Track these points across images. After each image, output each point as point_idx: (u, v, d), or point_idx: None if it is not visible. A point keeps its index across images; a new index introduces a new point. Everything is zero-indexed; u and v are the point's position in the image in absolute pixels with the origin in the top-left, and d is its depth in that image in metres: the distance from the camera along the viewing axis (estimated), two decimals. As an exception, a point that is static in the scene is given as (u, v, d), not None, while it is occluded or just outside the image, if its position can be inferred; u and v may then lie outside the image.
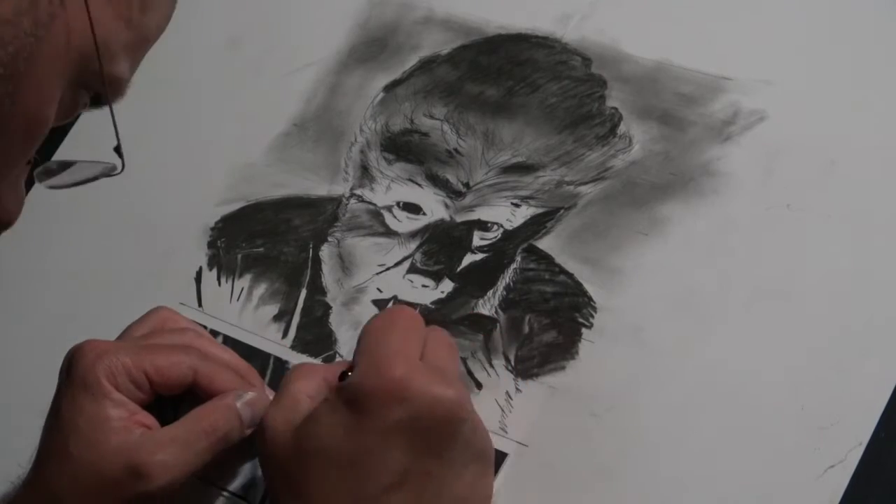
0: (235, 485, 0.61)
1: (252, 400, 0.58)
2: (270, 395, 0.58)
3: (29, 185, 0.76)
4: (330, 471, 0.52)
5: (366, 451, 0.51)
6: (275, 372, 0.64)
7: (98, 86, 0.50)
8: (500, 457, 0.57)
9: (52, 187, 0.56)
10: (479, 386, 0.60)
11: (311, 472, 0.52)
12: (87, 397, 0.56)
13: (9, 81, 0.44)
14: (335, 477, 0.52)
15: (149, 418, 0.56)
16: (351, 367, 0.54)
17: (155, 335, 0.60)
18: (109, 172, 0.56)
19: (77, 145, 0.77)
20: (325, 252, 0.67)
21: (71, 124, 0.77)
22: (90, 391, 0.56)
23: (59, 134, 0.77)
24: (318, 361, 0.64)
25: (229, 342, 0.66)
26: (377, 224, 0.66)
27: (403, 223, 0.66)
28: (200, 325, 0.67)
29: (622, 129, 0.64)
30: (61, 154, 0.76)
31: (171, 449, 0.55)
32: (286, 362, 0.64)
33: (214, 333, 0.66)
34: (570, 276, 0.61)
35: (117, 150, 0.55)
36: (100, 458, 0.55)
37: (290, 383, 0.55)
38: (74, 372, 0.57)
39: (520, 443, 0.58)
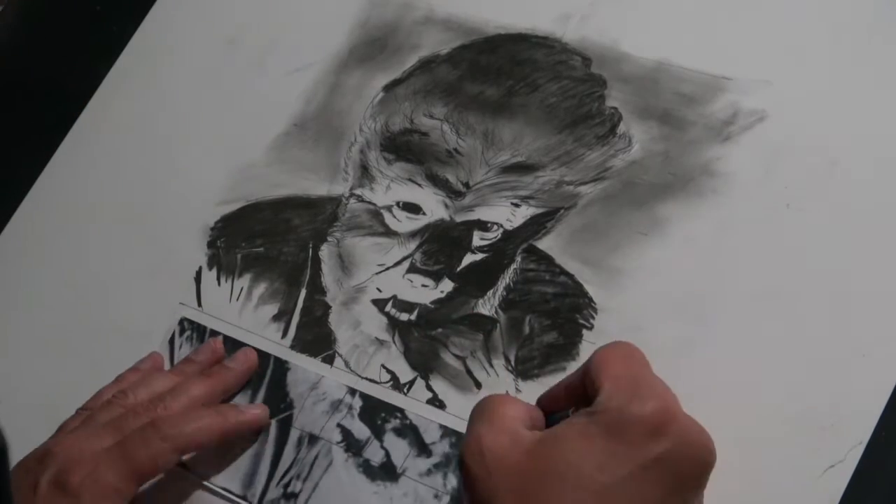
0: (234, 484, 0.61)
1: None
2: None
3: (29, 183, 0.76)
4: (581, 494, 0.48)
5: (622, 480, 0.48)
6: (274, 373, 0.64)
7: None
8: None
9: None
10: (478, 386, 0.60)
11: (558, 493, 0.48)
12: None
13: None
14: (588, 501, 0.48)
15: None
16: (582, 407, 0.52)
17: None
18: None
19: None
20: (325, 252, 0.67)
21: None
22: None
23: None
24: (317, 361, 0.64)
25: (228, 342, 0.66)
26: (377, 224, 0.66)
27: (403, 223, 0.66)
28: (200, 324, 0.67)
29: (622, 128, 0.64)
30: (72, 139, 0.77)
31: None
32: (286, 362, 0.64)
33: (214, 333, 0.66)
34: (571, 276, 0.61)
35: None
36: None
37: (498, 406, 0.53)
38: (61, 490, 0.57)
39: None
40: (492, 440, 0.51)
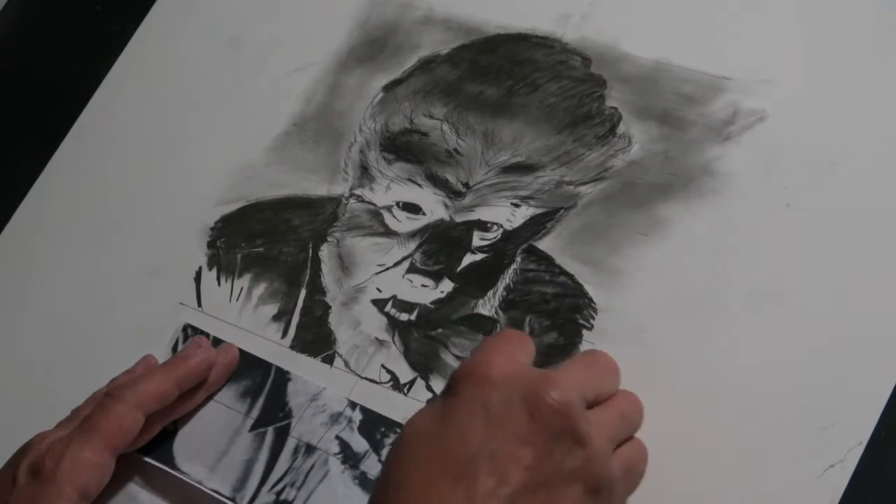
0: (225, 487, 0.61)
1: None
2: None
3: (29, 183, 0.76)
4: (413, 449, 0.50)
5: (452, 427, 0.50)
6: (274, 382, 0.64)
7: None
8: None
9: None
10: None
11: (400, 457, 0.51)
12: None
13: None
14: (417, 454, 0.50)
15: None
16: None
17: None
18: None
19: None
20: (325, 252, 0.67)
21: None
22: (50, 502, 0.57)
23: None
24: (317, 361, 0.64)
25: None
26: (377, 224, 0.66)
27: (403, 223, 0.66)
28: (201, 330, 0.67)
29: (622, 128, 0.64)
30: (72, 139, 0.77)
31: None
32: (287, 372, 0.64)
33: (217, 342, 0.66)
34: (571, 277, 0.61)
35: None
36: None
37: (511, 343, 0.54)
38: (37, 477, 0.57)
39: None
40: (497, 359, 0.52)
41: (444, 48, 0.70)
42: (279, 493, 0.60)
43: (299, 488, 0.60)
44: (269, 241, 0.68)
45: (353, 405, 0.62)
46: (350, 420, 0.61)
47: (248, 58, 0.75)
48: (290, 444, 0.62)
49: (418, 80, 0.69)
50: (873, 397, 0.54)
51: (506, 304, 0.62)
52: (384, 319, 0.64)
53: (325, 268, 0.66)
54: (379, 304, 0.64)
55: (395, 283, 0.64)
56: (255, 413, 0.63)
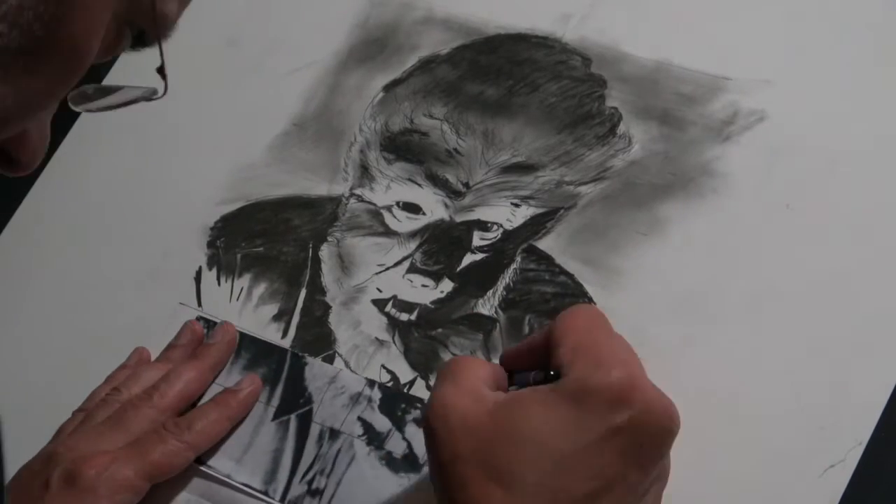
0: (256, 480, 0.61)
1: None
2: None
3: (31, 180, 0.76)
4: (542, 462, 0.48)
5: (582, 449, 0.48)
6: (291, 368, 0.64)
7: (145, 22, 0.48)
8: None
9: (87, 111, 0.54)
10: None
11: (519, 459, 0.49)
12: None
13: (60, 2, 0.40)
14: (548, 468, 0.48)
15: None
16: (544, 367, 0.52)
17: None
18: (150, 96, 0.54)
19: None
20: (325, 252, 0.67)
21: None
22: None
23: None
24: (319, 361, 0.64)
25: (246, 339, 0.66)
26: (377, 224, 0.66)
27: (403, 223, 0.66)
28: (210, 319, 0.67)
29: (622, 128, 0.64)
30: (72, 139, 0.76)
31: None
32: (303, 357, 0.64)
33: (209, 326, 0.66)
34: (571, 276, 0.61)
35: (160, 70, 0.53)
36: None
37: (463, 367, 0.53)
38: (73, 486, 0.57)
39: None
40: (455, 400, 0.51)
41: (444, 48, 0.70)
42: (310, 483, 0.60)
43: (329, 475, 0.60)
44: (269, 240, 0.68)
45: (371, 383, 0.62)
46: (370, 399, 0.61)
47: (248, 58, 0.75)
48: (315, 430, 0.61)
49: (418, 80, 0.69)
50: (873, 397, 0.54)
51: (506, 304, 0.62)
52: (384, 319, 0.64)
53: (325, 268, 0.66)
54: (379, 304, 0.64)
55: (396, 283, 0.64)
56: (275, 401, 0.63)
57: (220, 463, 0.62)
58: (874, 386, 0.54)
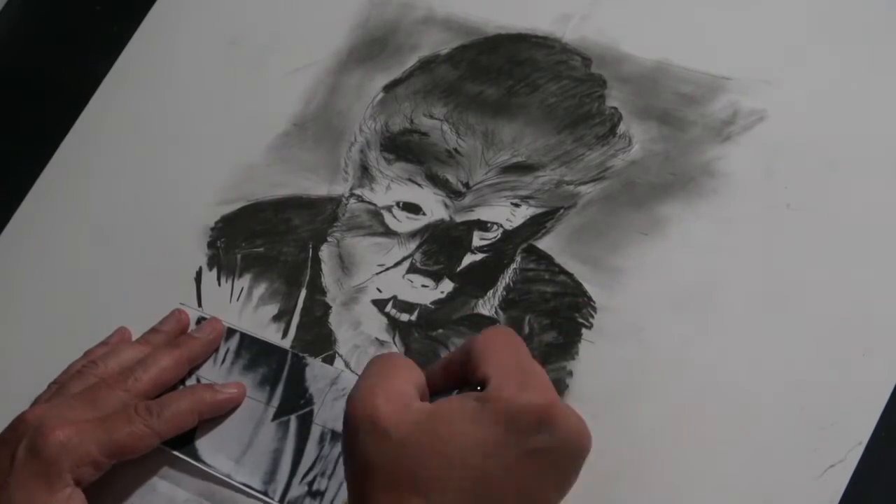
0: (255, 480, 0.61)
1: None
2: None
3: (29, 183, 0.76)
4: (465, 478, 0.49)
5: (504, 467, 0.49)
6: (292, 368, 0.64)
7: None
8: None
9: None
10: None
11: (441, 474, 0.49)
12: (43, 488, 0.57)
13: None
14: (467, 486, 0.49)
15: None
16: (465, 377, 0.53)
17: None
18: None
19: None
20: (325, 252, 0.67)
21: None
22: (49, 482, 0.57)
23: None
24: (319, 362, 0.64)
25: (246, 339, 0.65)
26: (377, 224, 0.66)
27: (403, 223, 0.66)
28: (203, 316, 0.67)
29: (622, 128, 0.64)
30: (72, 139, 0.77)
31: None
32: (303, 357, 0.64)
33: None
34: (570, 276, 0.61)
35: None
36: None
37: (401, 370, 0.54)
38: (37, 458, 0.57)
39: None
40: (384, 404, 0.51)
41: (444, 48, 0.70)
42: (311, 484, 0.60)
43: (330, 477, 0.60)
44: (270, 241, 0.68)
45: None
46: None
47: (248, 58, 0.75)
48: (315, 431, 0.61)
49: (418, 80, 0.69)
50: (873, 397, 0.54)
51: (506, 304, 0.62)
52: (384, 320, 0.64)
53: (325, 268, 0.66)
54: (379, 304, 0.64)
55: (396, 283, 0.64)
56: (275, 402, 0.63)
57: (219, 462, 0.62)
58: (874, 386, 0.54)
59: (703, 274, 0.59)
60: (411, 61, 0.70)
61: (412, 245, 0.65)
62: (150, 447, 0.60)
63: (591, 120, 0.65)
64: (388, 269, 0.65)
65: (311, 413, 0.62)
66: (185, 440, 0.62)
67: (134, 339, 0.67)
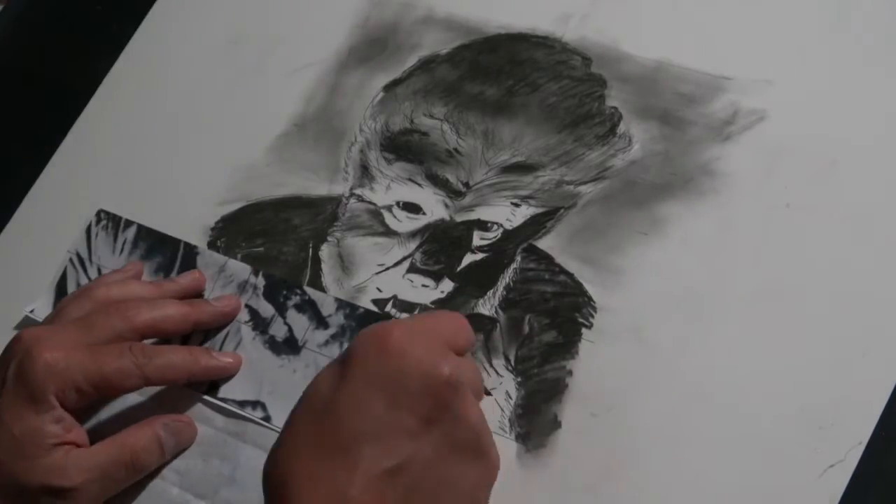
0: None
1: (177, 430, 0.61)
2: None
3: (29, 183, 0.76)
4: (307, 416, 0.52)
5: (344, 395, 0.51)
6: (184, 258, 0.68)
7: None
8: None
9: None
10: (478, 386, 0.60)
11: (296, 424, 0.52)
12: (30, 408, 0.57)
13: None
14: (310, 421, 0.51)
15: (80, 434, 0.59)
16: None
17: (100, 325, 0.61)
18: None
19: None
20: (325, 252, 0.67)
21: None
22: (36, 404, 0.57)
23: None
24: (209, 251, 0.66)
25: (143, 231, 0.69)
26: (377, 224, 0.66)
27: (403, 223, 0.66)
28: (116, 215, 0.68)
29: (622, 128, 0.64)
30: (72, 139, 0.77)
31: (92, 475, 0.58)
32: (195, 247, 0.68)
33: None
34: (570, 275, 0.61)
35: None
36: (25, 471, 0.57)
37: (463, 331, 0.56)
38: (24, 380, 0.58)
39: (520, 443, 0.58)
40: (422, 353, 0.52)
41: (445, 48, 0.70)
42: None
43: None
44: (270, 240, 0.68)
45: (255, 272, 0.66)
46: (255, 287, 0.65)
47: (248, 58, 0.75)
48: None
49: (418, 80, 0.69)
50: (873, 397, 0.54)
51: (506, 304, 0.62)
52: (384, 319, 0.64)
53: (325, 267, 0.66)
54: (379, 304, 0.64)
55: (396, 283, 0.64)
56: None
57: None
58: (874, 386, 0.54)
59: (703, 274, 0.59)
60: (411, 61, 0.70)
61: (412, 245, 0.65)
62: (134, 388, 0.60)
63: (591, 120, 0.65)
64: (388, 268, 0.65)
65: (201, 296, 0.66)
66: None
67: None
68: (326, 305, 0.64)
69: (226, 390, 0.63)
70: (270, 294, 0.65)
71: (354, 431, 0.50)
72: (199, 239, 0.70)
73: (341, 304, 0.63)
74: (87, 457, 0.58)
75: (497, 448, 0.54)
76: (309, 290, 0.65)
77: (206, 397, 0.63)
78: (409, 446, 0.50)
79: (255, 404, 0.62)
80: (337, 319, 0.63)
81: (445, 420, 0.51)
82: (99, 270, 0.69)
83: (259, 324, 0.64)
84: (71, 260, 0.70)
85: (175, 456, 0.61)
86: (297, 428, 0.52)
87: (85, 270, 0.70)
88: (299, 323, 0.64)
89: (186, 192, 0.72)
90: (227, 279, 0.66)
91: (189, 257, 0.68)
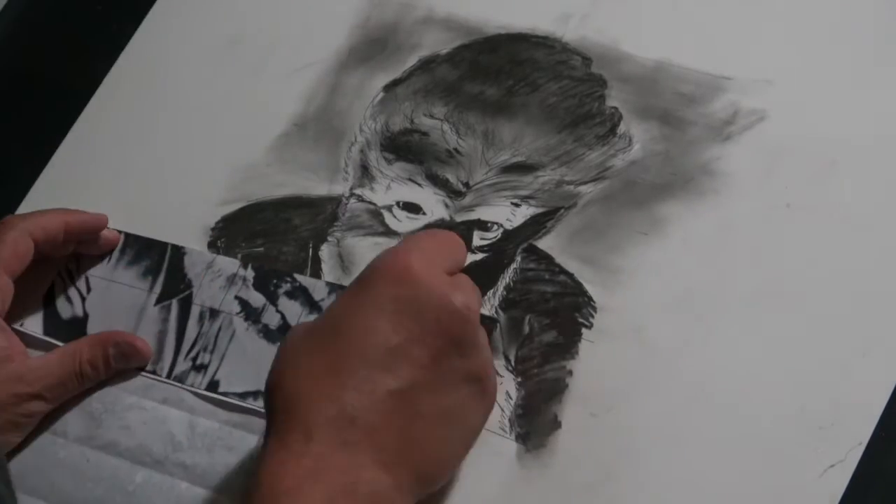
0: None
1: (127, 353, 0.64)
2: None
3: (29, 183, 0.76)
4: (317, 336, 0.53)
5: (358, 320, 0.52)
6: (171, 259, 0.68)
7: None
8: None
9: None
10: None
11: (306, 343, 0.53)
12: None
13: None
14: (321, 342, 0.52)
15: (21, 345, 0.64)
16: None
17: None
18: None
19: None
20: (325, 252, 0.67)
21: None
22: None
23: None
24: (197, 249, 0.67)
25: (130, 238, 0.70)
26: (377, 224, 0.66)
27: (403, 223, 0.66)
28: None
29: (622, 128, 0.64)
30: (72, 139, 0.76)
31: (47, 383, 0.62)
32: (182, 248, 0.68)
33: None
34: (571, 275, 0.61)
35: None
36: None
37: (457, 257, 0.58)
38: None
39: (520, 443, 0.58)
40: (432, 280, 0.54)
41: (445, 48, 0.70)
42: (195, 359, 0.64)
43: (212, 352, 0.64)
44: (270, 240, 0.68)
45: (244, 264, 0.66)
46: (245, 279, 0.66)
47: (248, 58, 0.75)
48: (195, 311, 0.66)
49: (418, 80, 0.69)
50: (873, 397, 0.54)
51: (506, 304, 0.62)
52: (384, 319, 0.64)
53: (325, 267, 0.66)
54: (379, 303, 0.64)
55: (396, 282, 0.64)
56: (157, 289, 0.67)
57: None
58: (874, 386, 0.54)
59: (703, 273, 0.59)
60: (411, 61, 0.70)
61: (412, 245, 0.65)
62: (29, 248, 0.65)
63: (592, 120, 0.65)
64: (388, 268, 0.65)
65: (190, 295, 0.66)
66: (72, 332, 0.66)
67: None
68: (318, 290, 0.64)
69: (226, 384, 0.63)
70: (261, 284, 0.65)
71: (365, 356, 0.51)
72: (199, 239, 0.70)
73: (333, 287, 0.64)
74: (41, 367, 0.63)
75: (496, 380, 0.56)
76: (299, 277, 0.65)
77: (206, 393, 0.63)
78: (417, 374, 0.51)
79: (257, 394, 0.62)
80: (329, 302, 0.63)
81: (455, 352, 0.52)
82: (87, 281, 0.69)
83: (251, 314, 0.64)
84: (59, 273, 0.70)
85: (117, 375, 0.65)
86: (306, 347, 0.53)
87: (73, 282, 0.69)
88: (292, 310, 0.64)
89: (186, 192, 0.72)
90: (215, 274, 0.66)
91: (176, 258, 0.68)
